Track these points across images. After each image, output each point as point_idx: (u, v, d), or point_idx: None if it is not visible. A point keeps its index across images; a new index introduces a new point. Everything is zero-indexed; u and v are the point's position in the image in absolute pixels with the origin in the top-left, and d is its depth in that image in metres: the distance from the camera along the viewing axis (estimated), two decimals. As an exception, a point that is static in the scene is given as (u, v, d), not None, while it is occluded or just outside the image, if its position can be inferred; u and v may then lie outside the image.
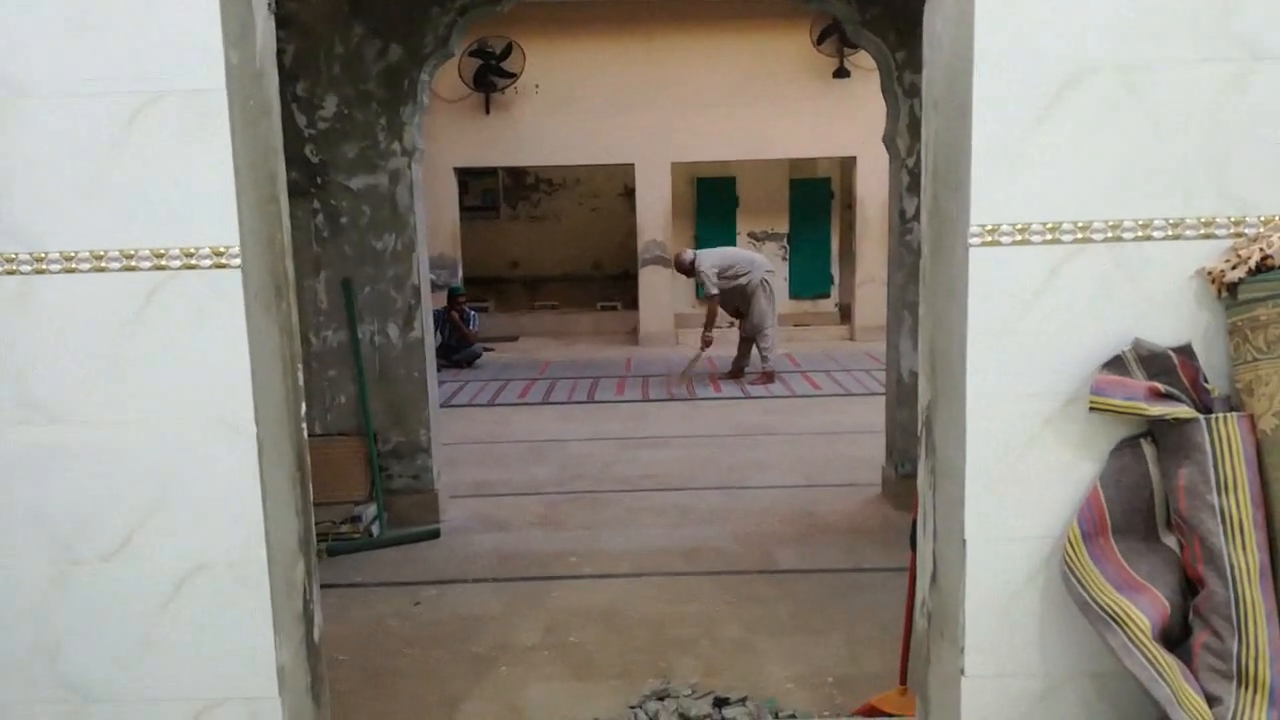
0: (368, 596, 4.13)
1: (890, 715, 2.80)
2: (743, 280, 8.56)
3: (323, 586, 4.32)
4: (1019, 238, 2.14)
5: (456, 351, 10.02)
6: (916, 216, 4.87)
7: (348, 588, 4.22)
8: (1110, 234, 2.10)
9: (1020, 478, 2.16)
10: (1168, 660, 1.90)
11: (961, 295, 2.17)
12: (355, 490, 4.89)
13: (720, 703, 2.93)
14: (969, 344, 2.16)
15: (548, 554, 4.55)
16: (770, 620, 3.77)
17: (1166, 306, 2.10)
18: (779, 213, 12.53)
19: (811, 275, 12.63)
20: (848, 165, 12.18)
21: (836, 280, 12.71)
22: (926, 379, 2.43)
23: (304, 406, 2.49)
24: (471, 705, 3.19)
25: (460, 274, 11.47)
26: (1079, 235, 2.12)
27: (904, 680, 2.90)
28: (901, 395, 4.99)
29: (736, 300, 8.65)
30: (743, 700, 2.93)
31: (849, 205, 12.90)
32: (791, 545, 4.58)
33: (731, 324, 8.89)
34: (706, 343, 8.73)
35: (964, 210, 2.14)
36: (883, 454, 5.41)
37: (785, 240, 12.58)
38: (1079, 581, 2.08)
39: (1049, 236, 2.13)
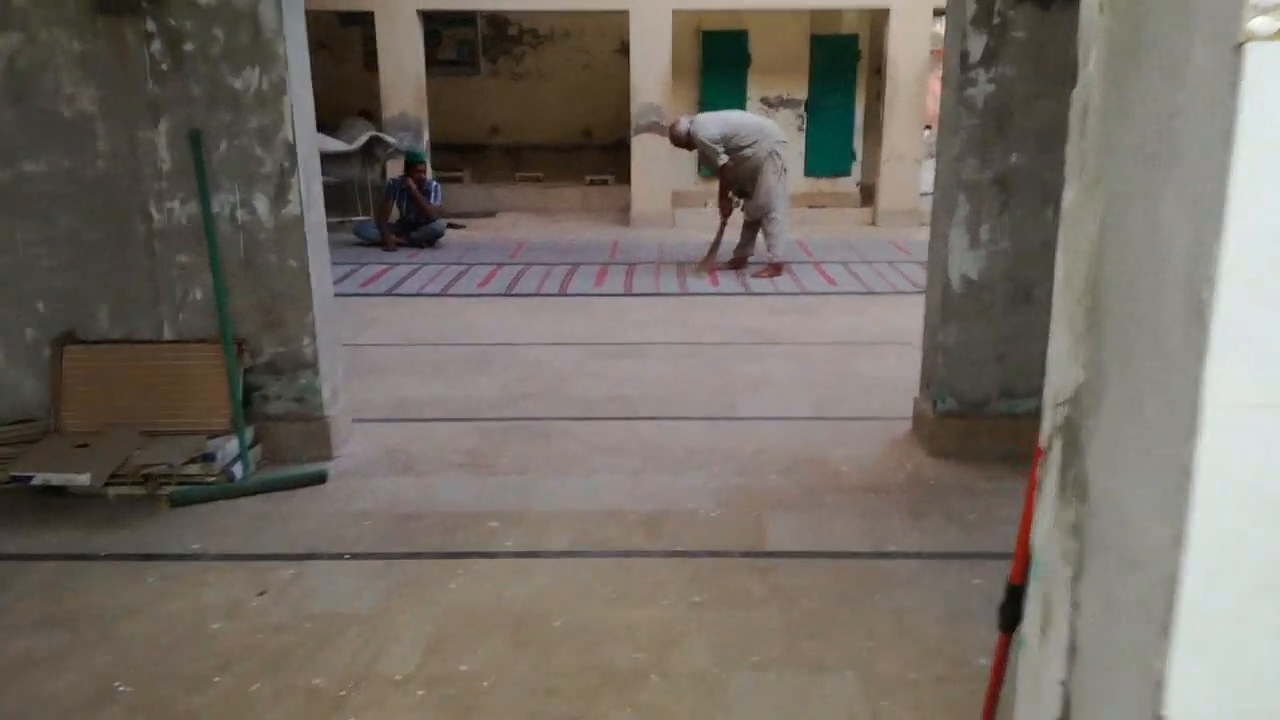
0: (198, 576, 2.98)
1: None
2: (748, 151, 7.15)
3: (135, 557, 3.11)
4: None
5: (415, 228, 8.69)
6: (984, 60, 3.49)
7: (172, 560, 3.06)
8: None
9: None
10: None
11: (1214, 156, 0.88)
12: (216, 417, 3.69)
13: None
14: (1221, 269, 0.88)
15: (462, 514, 3.38)
16: (753, 639, 2.61)
17: None
18: (797, 75, 10.91)
19: (831, 149, 11.10)
20: (878, 20, 10.52)
21: (859, 156, 11.19)
22: (1071, 338, 1.17)
23: None
24: (278, 798, 2.05)
25: (426, 137, 10.02)
26: None
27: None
28: (949, 307, 3.71)
29: (740, 176, 7.27)
30: None
31: (877, 70, 11.30)
32: (790, 511, 3.39)
33: (736, 204, 7.52)
34: (725, 213, 7.43)
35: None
36: (914, 377, 4.18)
37: (803, 108, 10.99)
38: None
39: None
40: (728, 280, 7.26)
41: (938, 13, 10.17)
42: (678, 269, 7.68)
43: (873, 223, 10.26)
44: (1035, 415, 3.66)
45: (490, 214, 10.87)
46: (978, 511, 3.37)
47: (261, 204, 3.63)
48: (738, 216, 7.52)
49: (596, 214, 11.01)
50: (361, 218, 9.33)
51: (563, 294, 6.87)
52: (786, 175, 7.37)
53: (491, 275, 7.46)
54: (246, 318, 3.72)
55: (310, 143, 3.77)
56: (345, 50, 12.39)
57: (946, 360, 3.77)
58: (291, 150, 3.59)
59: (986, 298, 3.70)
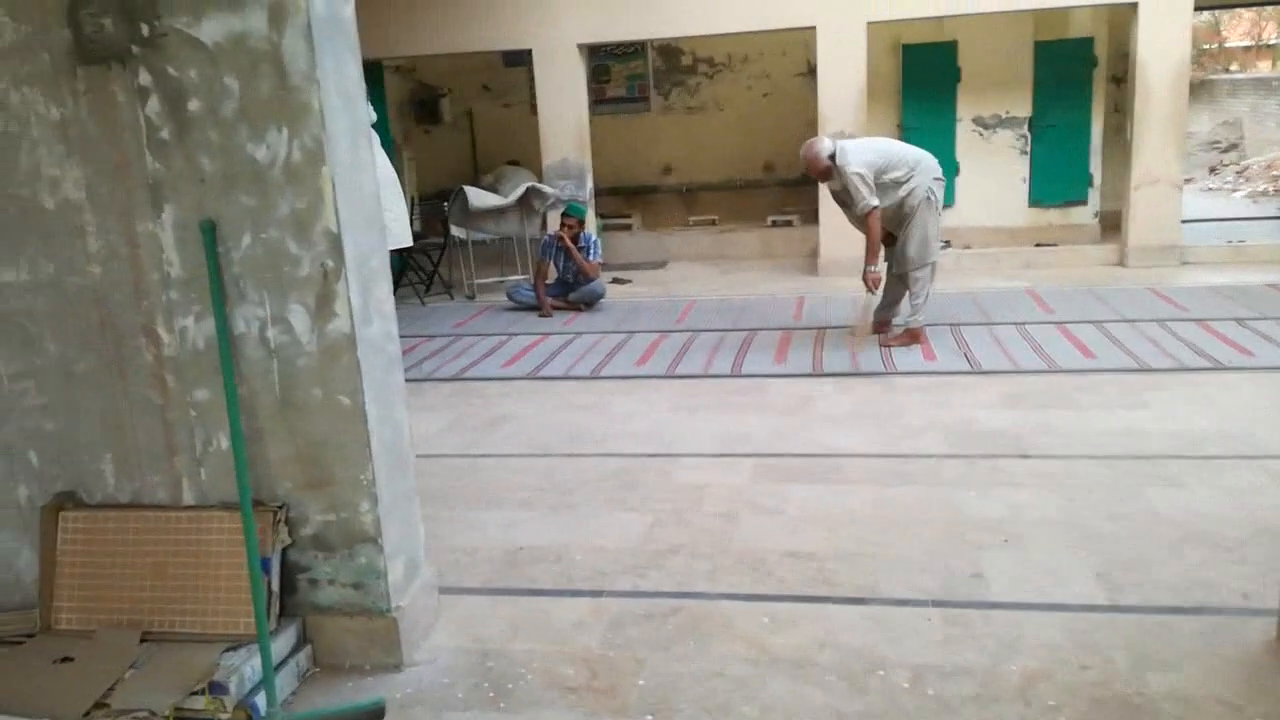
0: None
1: None
2: (904, 188, 5.75)
3: None
4: None
5: (573, 289, 7.69)
6: None
7: None
8: None
9: None
10: None
11: None
12: (240, 615, 2.68)
13: None
14: None
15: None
16: None
17: None
18: (1017, 89, 9.20)
19: (1062, 174, 9.29)
20: (1119, 19, 8.74)
21: (1097, 182, 9.34)
22: None
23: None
24: None
25: (590, 185, 9.05)
26: None
27: None
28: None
29: (889, 218, 5.85)
30: None
31: (1116, 78, 9.51)
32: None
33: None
34: (874, 282, 5.94)
35: None
36: (1245, 521, 2.67)
37: (1026, 126, 9.28)
38: None
39: None
40: (945, 353, 5.79)
41: (1199, 7, 8.30)
42: (858, 335, 6.24)
43: (1120, 263, 8.44)
44: None
45: (660, 264, 9.79)
46: None
47: (299, 317, 2.60)
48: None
49: (778, 261, 9.72)
50: (519, 277, 8.46)
51: (734, 375, 5.62)
52: (941, 217, 5.96)
53: (653, 348, 6.30)
54: (284, 474, 2.69)
55: (370, 230, 2.72)
56: (511, 94, 11.68)
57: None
58: (336, 243, 2.54)
59: None
